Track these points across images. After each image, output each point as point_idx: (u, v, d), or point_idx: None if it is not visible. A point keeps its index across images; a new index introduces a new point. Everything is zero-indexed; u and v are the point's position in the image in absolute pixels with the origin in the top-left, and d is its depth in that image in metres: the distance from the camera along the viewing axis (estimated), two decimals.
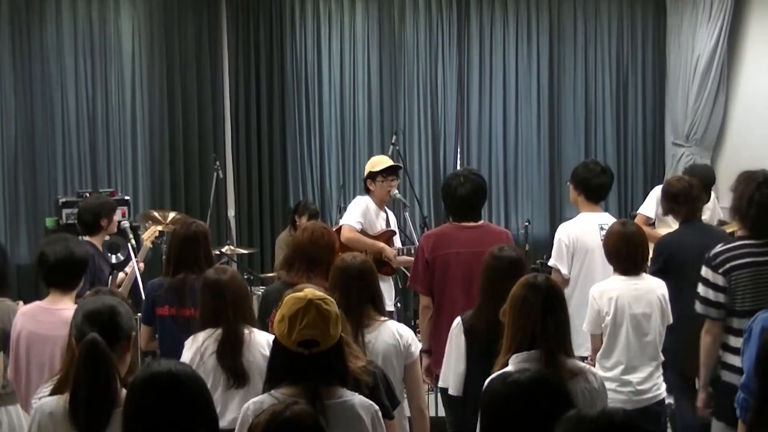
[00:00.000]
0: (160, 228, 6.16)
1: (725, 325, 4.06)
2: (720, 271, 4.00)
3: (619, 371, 4.32)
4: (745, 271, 3.98)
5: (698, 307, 4.09)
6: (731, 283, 3.99)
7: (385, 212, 6.16)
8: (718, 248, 4.06)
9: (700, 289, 4.08)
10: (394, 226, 6.12)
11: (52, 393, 2.92)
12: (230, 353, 3.70)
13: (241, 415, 2.90)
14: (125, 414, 2.52)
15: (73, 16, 7.80)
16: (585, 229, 5.12)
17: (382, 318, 3.80)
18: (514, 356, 3.18)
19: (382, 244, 5.94)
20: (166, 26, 8.00)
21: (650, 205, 6.32)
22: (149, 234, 5.94)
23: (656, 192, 6.48)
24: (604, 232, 5.01)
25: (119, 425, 2.55)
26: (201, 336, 3.78)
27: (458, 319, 4.00)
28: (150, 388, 2.48)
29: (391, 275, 6.01)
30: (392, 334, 3.76)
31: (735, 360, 3.96)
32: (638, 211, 6.44)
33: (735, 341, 3.98)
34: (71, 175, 7.84)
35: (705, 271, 4.06)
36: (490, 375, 3.13)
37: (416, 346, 3.84)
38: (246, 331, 3.76)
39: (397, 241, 6.16)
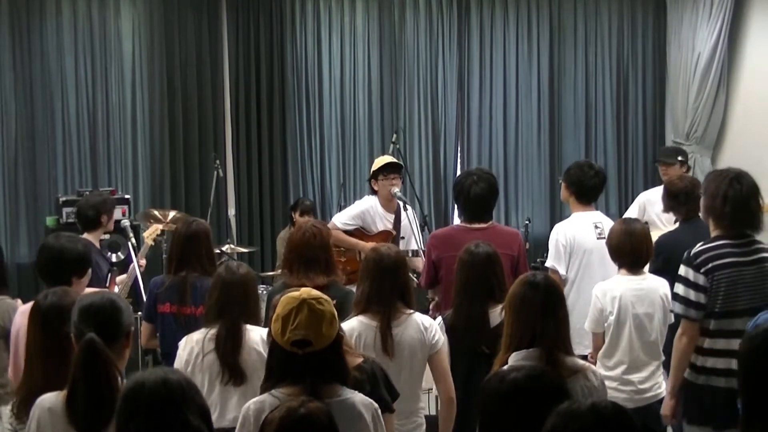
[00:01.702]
0: (161, 227, 6.17)
1: (700, 326, 3.95)
2: (702, 270, 3.88)
3: (621, 371, 4.32)
4: (726, 272, 3.87)
5: (677, 307, 3.97)
6: (712, 283, 3.87)
7: (396, 213, 6.12)
8: (699, 247, 3.93)
9: (680, 289, 3.94)
10: (406, 227, 6.06)
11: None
12: (231, 350, 3.67)
13: (241, 415, 2.90)
14: (116, 425, 2.48)
15: (73, 15, 7.80)
16: (581, 228, 5.11)
17: (409, 311, 3.81)
18: (514, 354, 3.19)
19: (363, 244, 5.93)
20: (166, 25, 8.00)
21: (632, 213, 6.32)
22: (150, 232, 5.95)
23: (640, 199, 6.53)
24: (599, 231, 5.03)
25: None
26: (195, 335, 3.78)
27: (439, 319, 4.03)
28: (136, 400, 2.43)
29: None
30: (418, 327, 3.78)
31: (707, 362, 3.92)
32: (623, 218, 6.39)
33: (710, 343, 3.92)
34: (71, 174, 7.84)
35: (685, 271, 3.92)
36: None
37: (440, 337, 3.84)
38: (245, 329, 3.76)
39: (410, 244, 6.11)
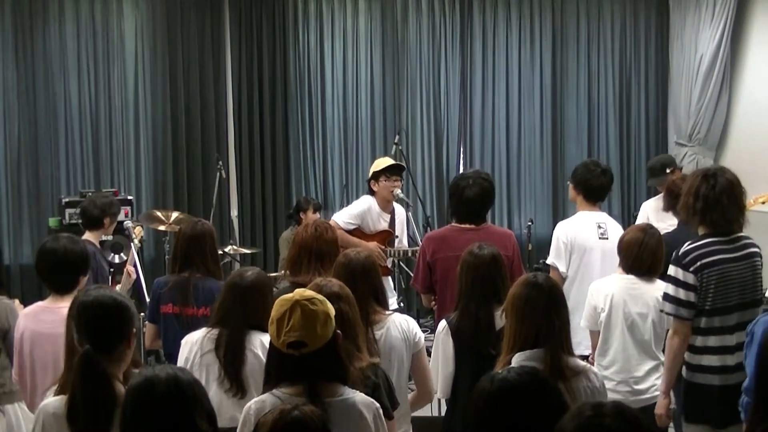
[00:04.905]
0: (140, 226, 6.20)
1: (692, 325, 3.95)
2: (690, 269, 3.89)
3: (614, 369, 4.31)
4: (715, 269, 3.89)
5: (668, 307, 3.98)
6: (702, 281, 3.89)
7: (392, 213, 6.12)
8: (687, 246, 3.94)
9: (670, 289, 3.96)
10: (401, 227, 6.07)
11: (57, 394, 2.92)
12: (232, 361, 3.61)
13: (242, 414, 2.90)
14: (122, 421, 2.47)
15: (76, 16, 7.83)
16: (583, 227, 5.11)
17: (387, 312, 3.80)
18: (517, 355, 3.18)
19: (366, 244, 5.93)
20: (169, 26, 8.01)
21: (642, 220, 6.30)
22: (136, 233, 5.95)
23: (644, 209, 6.51)
24: (601, 231, 5.03)
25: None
26: (195, 335, 3.75)
27: (443, 322, 4.00)
28: (145, 397, 2.42)
29: (386, 275, 5.99)
30: (399, 327, 3.76)
31: (702, 360, 3.92)
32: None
33: (702, 341, 3.93)
34: (74, 175, 7.86)
35: (674, 271, 3.94)
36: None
37: (421, 336, 3.83)
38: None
39: (402, 243, 6.12)
